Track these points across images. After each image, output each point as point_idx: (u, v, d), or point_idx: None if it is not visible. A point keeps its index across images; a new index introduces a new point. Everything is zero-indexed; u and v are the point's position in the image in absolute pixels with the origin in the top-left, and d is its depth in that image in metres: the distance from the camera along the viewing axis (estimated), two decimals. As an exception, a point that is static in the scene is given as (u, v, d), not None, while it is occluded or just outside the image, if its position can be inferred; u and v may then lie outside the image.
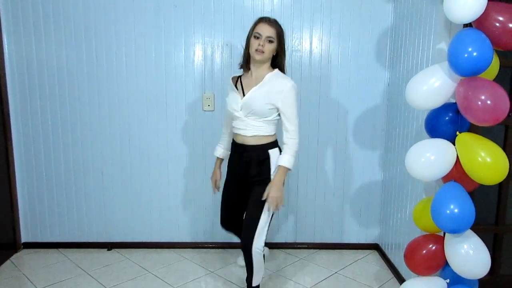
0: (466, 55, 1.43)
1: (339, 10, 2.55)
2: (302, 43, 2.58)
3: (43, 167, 2.69)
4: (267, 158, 1.88)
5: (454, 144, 1.61)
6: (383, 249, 2.71)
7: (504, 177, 1.49)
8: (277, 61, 1.89)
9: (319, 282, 2.36)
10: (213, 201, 2.70)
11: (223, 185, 2.11)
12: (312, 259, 2.66)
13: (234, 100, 1.89)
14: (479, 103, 1.40)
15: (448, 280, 1.73)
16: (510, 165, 1.52)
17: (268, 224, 1.89)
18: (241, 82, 1.92)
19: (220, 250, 2.74)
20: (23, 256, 2.66)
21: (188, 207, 2.75)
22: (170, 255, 2.69)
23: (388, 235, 2.61)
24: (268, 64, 1.88)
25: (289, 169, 1.86)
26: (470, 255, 1.57)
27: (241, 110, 1.86)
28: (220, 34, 2.57)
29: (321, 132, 2.66)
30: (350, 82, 2.63)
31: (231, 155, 2.03)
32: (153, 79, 2.60)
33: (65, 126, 2.64)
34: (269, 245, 2.68)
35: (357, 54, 2.60)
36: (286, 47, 1.90)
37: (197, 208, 2.75)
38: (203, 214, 2.76)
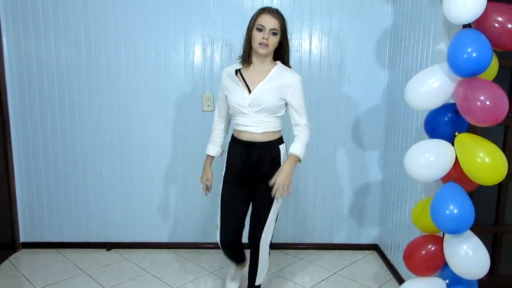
0: (465, 56, 1.43)
1: (339, 11, 2.55)
2: (302, 44, 2.58)
3: (42, 167, 2.68)
4: (278, 154, 1.84)
5: (453, 145, 1.62)
6: (382, 249, 2.71)
7: (503, 177, 1.49)
8: (281, 54, 1.81)
9: (318, 282, 2.36)
10: (212, 201, 2.69)
11: (220, 186, 1.97)
12: (312, 259, 2.66)
13: (240, 96, 1.77)
14: (478, 103, 1.40)
15: (447, 281, 1.73)
16: (509, 165, 1.52)
17: (275, 221, 1.88)
18: (242, 76, 1.81)
19: (219, 250, 2.73)
20: (21, 256, 2.65)
21: (187, 207, 2.75)
22: (169, 255, 2.68)
23: (388, 235, 2.61)
24: (271, 57, 1.81)
25: (299, 160, 1.80)
26: (469, 255, 1.57)
27: (249, 106, 1.76)
28: (219, 34, 2.57)
29: (320, 132, 2.66)
30: (349, 82, 2.63)
31: (232, 154, 1.88)
32: (152, 79, 2.60)
33: (64, 126, 2.64)
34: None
35: (356, 55, 2.60)
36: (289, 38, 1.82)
37: (196, 208, 2.75)
38: (202, 214, 2.76)
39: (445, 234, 1.67)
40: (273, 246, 2.75)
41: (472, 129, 1.69)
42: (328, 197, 2.76)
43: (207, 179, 1.98)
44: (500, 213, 2.06)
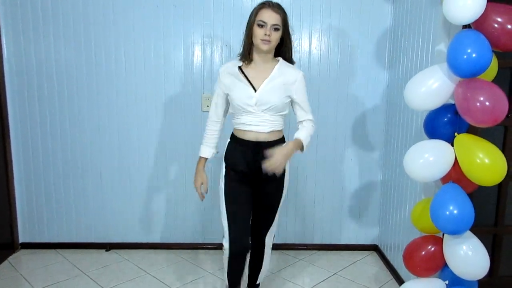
0: (465, 57, 1.43)
1: (339, 11, 2.55)
2: (301, 44, 2.58)
3: (41, 167, 2.68)
4: None
5: (452, 145, 1.62)
6: (382, 250, 2.71)
7: (502, 178, 1.49)
8: (283, 50, 1.74)
9: (318, 283, 2.36)
10: (212, 202, 2.69)
11: (218, 186, 1.85)
12: (311, 260, 2.66)
13: (245, 94, 1.69)
14: (478, 104, 1.40)
15: (447, 282, 1.72)
16: (508, 166, 1.52)
17: (277, 218, 1.88)
18: (243, 73, 1.74)
19: (218, 251, 2.73)
20: (20, 257, 2.65)
21: (186, 208, 2.75)
22: (168, 256, 2.68)
23: (387, 236, 2.61)
24: (273, 54, 1.75)
25: (302, 149, 1.74)
26: (469, 256, 1.57)
27: (255, 105, 1.69)
28: (219, 34, 2.57)
29: (320, 132, 2.66)
30: (349, 82, 2.63)
31: (234, 154, 1.78)
32: (152, 79, 2.60)
33: (64, 126, 2.64)
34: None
35: (356, 55, 2.60)
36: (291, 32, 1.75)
37: (196, 209, 2.75)
38: (201, 215, 2.75)
39: (445, 235, 1.66)
40: (273, 247, 2.75)
41: (471, 130, 1.69)
42: (327, 197, 2.75)
43: (202, 183, 1.85)
44: (500, 214, 2.06)
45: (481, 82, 1.45)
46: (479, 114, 1.41)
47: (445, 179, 1.66)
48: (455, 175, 1.61)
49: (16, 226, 2.72)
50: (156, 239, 2.77)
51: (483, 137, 1.59)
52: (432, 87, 1.57)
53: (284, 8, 1.70)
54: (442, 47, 1.88)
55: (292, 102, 1.78)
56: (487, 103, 1.39)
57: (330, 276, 2.44)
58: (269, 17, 1.63)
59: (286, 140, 1.88)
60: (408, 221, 2.19)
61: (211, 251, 2.75)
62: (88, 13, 2.52)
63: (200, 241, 2.79)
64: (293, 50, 1.78)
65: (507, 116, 1.93)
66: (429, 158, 1.59)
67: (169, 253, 2.72)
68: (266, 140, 1.73)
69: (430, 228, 1.71)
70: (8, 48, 2.55)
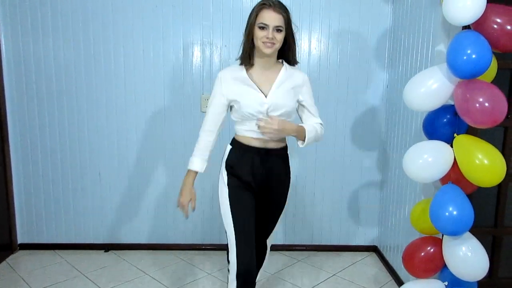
0: (465, 57, 1.42)
1: (338, 11, 2.55)
2: (301, 44, 2.58)
3: (40, 167, 2.67)
4: (288, 162, 1.72)
5: (451, 146, 1.61)
6: (381, 251, 2.70)
7: (501, 179, 1.49)
8: (286, 51, 1.62)
9: (317, 284, 2.35)
10: (211, 202, 2.68)
11: (224, 202, 1.66)
12: (310, 261, 2.65)
13: (256, 100, 1.57)
14: (477, 105, 1.40)
15: (446, 283, 1.72)
16: (508, 167, 1.52)
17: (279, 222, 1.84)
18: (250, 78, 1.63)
19: (217, 251, 2.73)
20: (19, 257, 2.64)
21: (186, 209, 2.74)
22: (167, 256, 2.67)
23: (387, 237, 2.61)
24: (276, 56, 1.63)
25: (303, 140, 1.63)
26: (468, 257, 1.56)
27: (267, 111, 1.57)
28: (218, 35, 2.56)
29: (319, 133, 2.65)
30: (348, 83, 2.63)
31: (237, 162, 1.64)
32: (151, 79, 2.60)
33: (63, 125, 2.63)
34: (267, 247, 2.67)
35: (356, 55, 2.60)
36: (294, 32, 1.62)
37: (195, 210, 2.73)
38: (200, 216, 2.75)
39: (444, 236, 1.66)
40: (272, 248, 2.75)
41: (471, 131, 1.69)
42: (327, 198, 2.75)
43: (191, 200, 1.66)
44: (499, 215, 2.06)
45: (481, 83, 1.45)
46: (479, 115, 1.41)
47: (445, 180, 1.66)
48: (455, 176, 1.61)
49: (15, 226, 2.71)
50: (155, 240, 2.76)
51: (483, 138, 1.58)
52: (431, 87, 1.57)
53: (286, 6, 1.58)
54: (442, 47, 1.88)
55: (298, 106, 1.70)
56: (486, 104, 1.39)
57: (329, 277, 2.43)
58: (271, 18, 1.51)
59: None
60: (408, 222, 2.19)
61: (210, 252, 2.74)
62: (87, 13, 2.52)
63: (199, 242, 2.78)
64: (296, 50, 1.66)
65: (506, 117, 1.93)
66: (428, 159, 1.58)
67: (168, 254, 2.71)
68: (274, 147, 1.64)
69: (429, 229, 1.71)
70: (7, 47, 2.55)
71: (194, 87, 2.61)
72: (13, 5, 2.50)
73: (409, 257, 1.77)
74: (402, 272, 2.28)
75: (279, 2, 1.56)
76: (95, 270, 2.47)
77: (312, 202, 2.76)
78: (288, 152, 1.72)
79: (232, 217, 1.62)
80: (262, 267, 1.96)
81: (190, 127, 2.64)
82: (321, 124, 1.72)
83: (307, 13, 2.55)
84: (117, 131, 2.64)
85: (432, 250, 1.71)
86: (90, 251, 2.72)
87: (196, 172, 1.67)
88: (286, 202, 1.78)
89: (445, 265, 1.68)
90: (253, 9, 1.56)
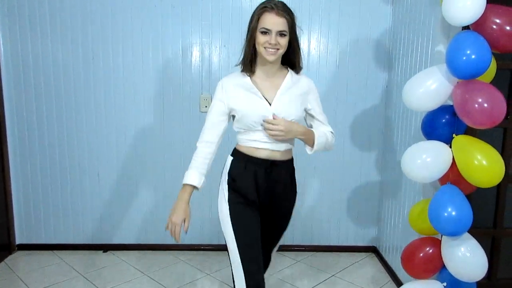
0: (464, 58, 1.42)
1: (338, 12, 2.55)
2: (300, 44, 2.57)
3: (38, 168, 2.66)
4: (294, 175, 1.60)
5: (450, 147, 1.61)
6: (380, 251, 2.70)
7: (500, 180, 1.49)
8: (290, 56, 1.50)
9: (316, 285, 2.35)
10: (210, 203, 2.68)
11: (225, 219, 1.52)
12: (309, 261, 2.65)
13: (259, 108, 1.45)
14: (476, 106, 1.40)
15: (445, 284, 1.72)
16: (507, 167, 1.51)
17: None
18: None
19: (216, 252, 2.73)
20: (17, 258, 2.63)
21: (184, 209, 2.73)
22: (166, 257, 2.67)
23: (386, 237, 2.60)
24: (280, 61, 1.51)
25: (311, 145, 1.53)
26: (467, 258, 1.56)
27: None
28: (217, 35, 2.56)
29: (318, 134, 2.65)
30: (348, 83, 2.62)
31: (240, 174, 1.50)
32: (150, 79, 2.59)
33: (61, 126, 2.63)
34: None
35: (355, 56, 2.59)
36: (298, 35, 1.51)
37: (194, 210, 2.71)
38: (199, 216, 2.74)
39: (443, 236, 1.66)
40: (271, 248, 2.75)
41: (470, 131, 1.68)
42: (326, 198, 2.75)
43: (185, 220, 1.48)
44: (499, 216, 2.06)
45: (480, 84, 1.45)
46: (477, 115, 1.41)
47: (443, 180, 1.66)
48: (453, 176, 1.61)
49: (13, 227, 2.71)
50: (153, 240, 2.76)
51: (482, 139, 1.58)
52: (430, 88, 1.57)
53: (290, 7, 1.45)
54: (441, 48, 1.87)
55: (306, 115, 1.60)
56: (485, 105, 1.39)
57: (328, 278, 2.43)
58: (273, 23, 1.39)
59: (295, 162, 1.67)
60: (407, 223, 2.18)
61: (209, 253, 2.74)
62: (86, 12, 2.51)
63: (198, 243, 2.78)
64: (302, 55, 1.55)
65: (506, 117, 1.93)
66: (427, 159, 1.58)
67: (167, 254, 2.71)
68: (280, 159, 1.52)
69: (428, 230, 1.71)
70: (5, 46, 2.54)
71: (193, 87, 2.61)
72: (12, 4, 2.49)
73: (408, 257, 1.77)
74: (401, 272, 2.27)
75: (282, 3, 1.43)
76: (94, 271, 2.46)
77: (311, 203, 2.75)
78: (293, 162, 1.60)
79: (235, 238, 1.46)
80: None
81: (189, 127, 2.63)
82: (332, 132, 1.60)
83: (306, 13, 2.55)
84: (116, 131, 2.64)
85: (431, 250, 1.71)
86: (89, 252, 2.71)
87: (193, 188, 1.48)
88: (291, 218, 1.67)
89: (444, 265, 1.68)
90: (254, 12, 1.44)
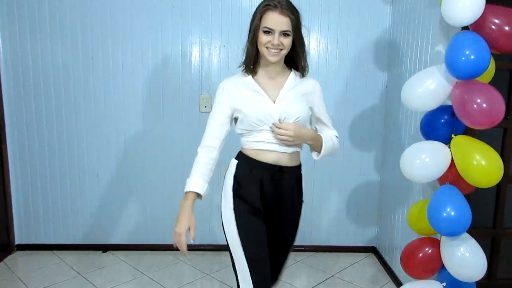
0: (463, 58, 1.42)
1: (337, 12, 2.55)
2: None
3: (37, 168, 2.66)
4: (301, 182, 1.52)
5: (449, 147, 1.61)
6: (380, 252, 2.70)
7: (499, 180, 1.49)
8: (293, 58, 1.43)
9: (316, 285, 2.35)
10: (210, 202, 2.67)
11: (230, 229, 1.43)
12: (309, 262, 2.65)
13: (265, 108, 1.38)
14: (475, 106, 1.40)
15: (444, 284, 1.72)
16: (506, 168, 1.51)
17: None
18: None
19: (216, 252, 2.73)
20: (16, 258, 2.63)
21: (184, 209, 2.73)
22: (165, 257, 2.67)
23: (385, 237, 2.60)
24: (283, 61, 1.45)
25: (319, 151, 1.48)
26: (466, 258, 1.56)
27: (279, 119, 1.39)
28: (217, 35, 2.56)
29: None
30: (347, 83, 2.62)
31: (247, 180, 1.42)
32: (149, 79, 2.59)
33: (60, 126, 2.63)
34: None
35: (355, 56, 2.59)
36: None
37: (193, 210, 2.73)
38: (199, 216, 2.73)
39: (442, 237, 1.66)
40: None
41: (469, 131, 1.68)
42: (325, 198, 2.75)
43: (190, 228, 1.38)
44: (498, 216, 2.05)
45: (479, 84, 1.45)
46: (476, 116, 1.41)
47: (442, 180, 1.66)
48: (452, 176, 1.61)
49: (12, 227, 2.71)
50: (153, 240, 2.76)
51: (482, 139, 1.58)
52: (429, 88, 1.57)
53: (295, 5, 1.39)
54: (441, 48, 1.87)
55: (311, 117, 1.52)
56: (484, 105, 1.39)
57: (327, 278, 2.43)
58: (277, 22, 1.32)
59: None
60: (406, 223, 2.18)
61: (208, 253, 2.74)
62: (85, 13, 2.51)
63: (198, 243, 2.77)
64: (307, 56, 1.45)
65: (506, 118, 1.93)
66: (426, 159, 1.58)
67: (167, 254, 2.70)
68: (287, 164, 1.43)
69: (427, 230, 1.71)
70: (4, 46, 2.54)
71: (192, 87, 2.61)
72: (11, 4, 2.49)
73: (407, 258, 1.77)
74: (400, 273, 2.27)
75: (287, 1, 1.35)
76: (93, 271, 2.46)
77: (310, 203, 2.75)
78: (301, 168, 1.52)
79: (244, 250, 1.39)
80: None
81: (189, 127, 2.63)
82: (337, 136, 1.54)
83: (306, 13, 2.54)
84: (115, 132, 2.64)
85: (430, 251, 1.71)
86: (88, 252, 2.71)
87: (196, 195, 1.40)
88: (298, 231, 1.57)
89: (443, 266, 1.68)
90: (256, 9, 1.36)
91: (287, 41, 1.36)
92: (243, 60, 1.43)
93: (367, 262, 2.66)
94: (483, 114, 1.39)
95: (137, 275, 2.43)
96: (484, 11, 1.43)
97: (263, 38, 1.34)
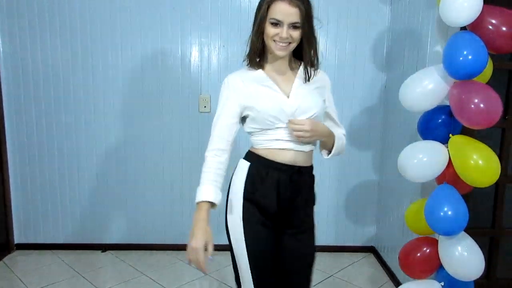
0: (461, 58, 1.43)
1: (337, 12, 2.55)
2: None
3: (37, 167, 2.67)
4: (313, 185, 1.44)
5: (446, 147, 1.62)
6: (379, 251, 2.70)
7: (496, 179, 1.49)
8: (304, 50, 1.30)
9: (315, 285, 2.35)
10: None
11: (238, 242, 1.37)
12: (308, 261, 2.65)
13: (279, 102, 1.26)
14: (472, 106, 1.41)
15: (443, 283, 1.72)
16: (504, 168, 1.52)
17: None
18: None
19: (215, 252, 2.72)
20: (16, 258, 2.64)
21: (183, 210, 2.74)
22: (164, 257, 2.67)
23: (384, 237, 2.61)
24: (292, 54, 1.33)
25: (329, 150, 1.42)
26: (464, 257, 1.57)
27: (294, 114, 1.27)
28: (217, 35, 2.56)
29: (317, 134, 2.66)
30: (346, 83, 2.63)
31: (262, 183, 1.29)
32: (149, 79, 2.60)
33: (60, 126, 2.63)
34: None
35: (354, 56, 2.60)
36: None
37: (192, 209, 2.72)
38: (198, 216, 2.74)
39: (440, 236, 1.66)
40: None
41: (467, 131, 1.69)
42: (324, 198, 2.75)
43: (207, 243, 1.27)
44: (497, 216, 2.06)
45: (476, 84, 1.46)
46: (474, 116, 1.41)
47: (440, 180, 1.66)
48: (450, 176, 1.61)
49: (12, 226, 2.71)
50: (152, 240, 2.76)
51: (480, 139, 1.59)
52: (427, 88, 1.57)
53: None
54: (439, 48, 1.88)
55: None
56: (481, 105, 1.39)
57: (326, 278, 2.43)
58: (285, 13, 1.20)
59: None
60: (405, 222, 2.19)
61: (208, 253, 2.73)
62: (85, 13, 2.52)
63: (197, 242, 2.78)
64: (318, 50, 1.34)
65: (504, 118, 1.93)
66: (423, 159, 1.59)
67: (166, 254, 2.71)
68: (304, 164, 1.34)
69: (425, 229, 1.71)
70: (4, 48, 2.55)
71: (192, 87, 2.61)
72: (11, 4, 2.50)
73: (405, 257, 1.77)
74: (399, 272, 2.28)
75: None
76: (92, 270, 2.46)
77: (309, 203, 2.76)
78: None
79: (251, 267, 1.31)
80: None
81: (188, 127, 2.64)
82: (344, 135, 1.46)
83: (305, 13, 2.55)
84: (114, 131, 2.64)
85: (428, 250, 1.71)
86: (87, 251, 2.72)
87: (210, 205, 1.26)
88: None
89: (442, 265, 1.68)
90: (262, 2, 1.24)
91: (296, 34, 1.24)
92: (247, 53, 1.30)
93: (366, 262, 2.66)
94: (480, 114, 1.40)
95: (136, 274, 2.43)
96: (481, 11, 1.44)
97: (270, 30, 1.22)
